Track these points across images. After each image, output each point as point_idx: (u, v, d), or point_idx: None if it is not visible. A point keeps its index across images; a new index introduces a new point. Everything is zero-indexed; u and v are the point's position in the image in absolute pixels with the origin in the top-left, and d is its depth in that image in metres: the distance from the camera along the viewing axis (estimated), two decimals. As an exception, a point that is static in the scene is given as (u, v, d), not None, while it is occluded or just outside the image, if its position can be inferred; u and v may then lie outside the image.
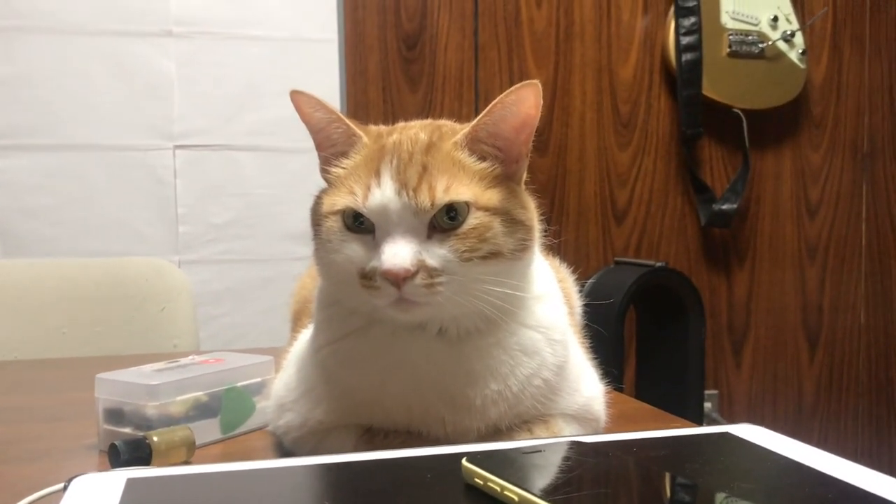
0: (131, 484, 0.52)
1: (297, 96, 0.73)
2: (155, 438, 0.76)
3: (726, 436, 0.63)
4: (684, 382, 2.43)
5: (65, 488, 0.53)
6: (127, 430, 0.82)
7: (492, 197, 0.69)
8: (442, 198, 0.67)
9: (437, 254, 0.67)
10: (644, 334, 2.59)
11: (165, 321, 1.77)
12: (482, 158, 0.71)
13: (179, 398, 0.83)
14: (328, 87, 2.40)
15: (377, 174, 0.69)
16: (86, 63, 2.29)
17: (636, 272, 2.34)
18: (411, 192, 0.67)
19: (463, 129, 0.71)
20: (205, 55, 2.36)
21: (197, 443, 0.81)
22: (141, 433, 0.78)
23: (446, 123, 0.76)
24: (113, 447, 0.75)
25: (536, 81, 0.69)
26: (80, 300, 1.76)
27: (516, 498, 0.47)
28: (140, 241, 2.32)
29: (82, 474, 0.54)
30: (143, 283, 1.79)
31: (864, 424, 2.97)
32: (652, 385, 2.51)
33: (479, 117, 0.71)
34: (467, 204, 0.68)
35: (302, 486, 0.55)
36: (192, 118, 2.36)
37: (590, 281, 2.34)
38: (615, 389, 0.91)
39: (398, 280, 0.65)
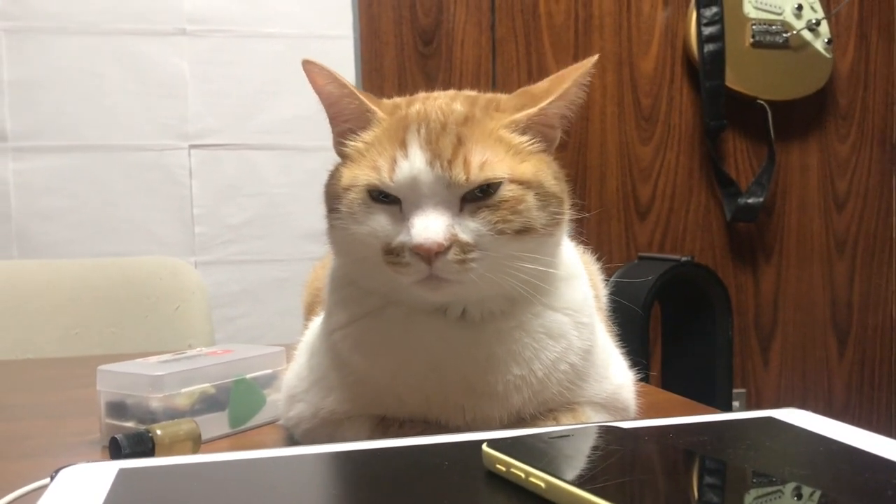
0: (123, 474, 0.48)
1: (309, 67, 0.69)
2: (158, 432, 0.72)
3: (770, 420, 0.58)
4: (712, 380, 2.36)
5: (52, 479, 0.49)
6: (130, 423, 0.78)
7: (526, 170, 0.65)
8: (478, 174, 0.63)
9: (469, 228, 0.63)
10: (670, 331, 2.53)
11: (180, 320, 1.73)
12: (525, 133, 0.67)
13: (185, 390, 0.79)
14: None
15: (403, 145, 0.64)
16: (99, 63, 2.26)
17: (661, 267, 2.28)
18: (445, 164, 0.63)
19: (525, 111, 0.67)
20: (219, 54, 2.33)
21: (204, 437, 0.77)
22: (144, 427, 0.74)
23: (479, 95, 0.72)
24: (114, 441, 0.71)
25: (595, 57, 0.68)
26: (94, 300, 1.73)
27: (543, 485, 0.43)
28: (156, 242, 2.29)
29: (69, 465, 0.49)
30: (157, 283, 1.76)
31: (895, 424, 2.89)
32: (679, 383, 2.44)
33: (550, 100, 0.67)
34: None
35: (306, 475, 0.50)
36: (206, 117, 2.33)
37: (613, 276, 2.28)
38: (643, 380, 0.86)
39: (430, 255, 0.61)
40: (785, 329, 2.81)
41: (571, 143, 2.59)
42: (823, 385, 2.84)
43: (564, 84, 0.67)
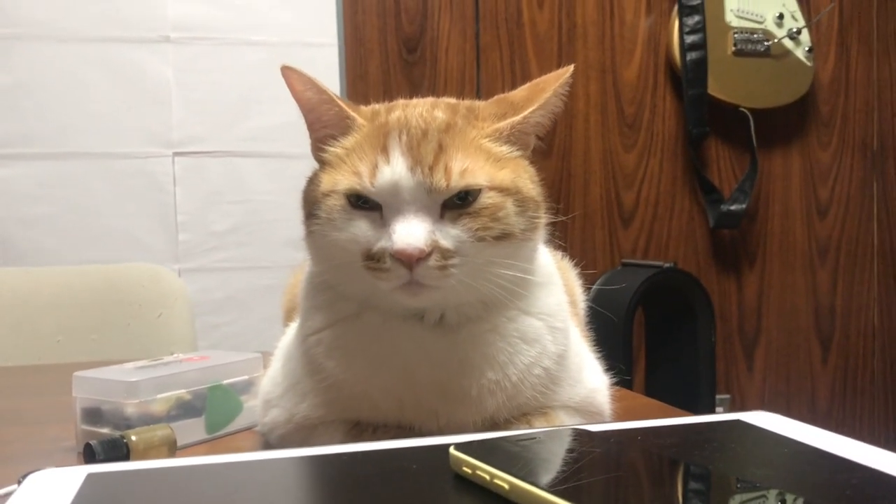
0: (91, 479, 0.48)
1: (288, 73, 0.69)
2: (133, 437, 0.73)
3: (738, 423, 0.58)
4: (696, 385, 2.37)
5: (19, 484, 0.49)
6: (105, 430, 0.78)
7: (505, 177, 0.66)
8: (458, 181, 0.63)
9: (450, 234, 0.63)
10: (653, 337, 2.54)
11: (163, 327, 1.73)
12: (507, 143, 0.68)
13: (160, 396, 0.78)
14: (328, 92, 2.36)
15: (384, 150, 0.65)
16: (83, 70, 2.26)
17: (644, 273, 2.29)
18: (427, 170, 0.63)
19: (507, 120, 0.68)
20: (203, 61, 2.33)
21: (181, 443, 0.77)
22: (119, 433, 0.74)
23: (459, 103, 0.73)
24: (88, 447, 0.71)
25: (572, 67, 0.69)
26: (76, 307, 1.72)
27: (507, 486, 0.43)
28: (140, 249, 2.29)
29: (38, 470, 0.50)
30: (140, 290, 1.75)
31: (879, 428, 2.90)
32: (663, 388, 2.45)
33: (531, 109, 0.68)
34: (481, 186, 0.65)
35: (273, 478, 0.50)
36: (190, 125, 2.32)
37: (596, 283, 2.30)
38: (619, 385, 0.87)
39: (411, 261, 0.61)
40: (769, 335, 2.82)
41: (555, 151, 2.60)
42: (807, 390, 2.85)
43: (545, 94, 0.67)
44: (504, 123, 0.67)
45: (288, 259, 2.32)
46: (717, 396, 2.60)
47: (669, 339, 2.47)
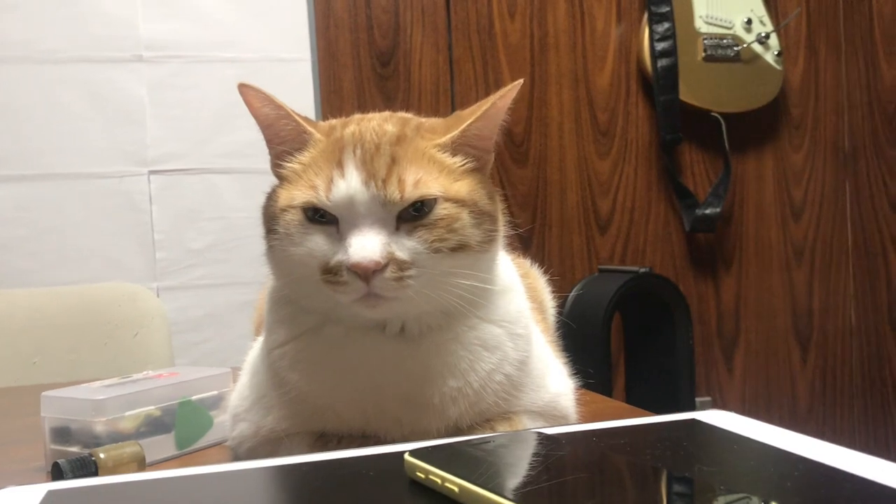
0: (50, 496, 0.49)
1: (245, 90, 0.70)
2: (101, 455, 0.73)
3: (693, 422, 0.59)
4: (675, 389, 2.39)
5: (-20, 503, 0.49)
6: (74, 448, 0.78)
7: (460, 189, 0.67)
8: (412, 192, 0.64)
9: (406, 246, 0.64)
10: (632, 342, 2.55)
11: (139, 347, 1.73)
12: (456, 154, 0.69)
13: (129, 413, 0.79)
14: (303, 107, 2.32)
15: (339, 165, 0.66)
16: (57, 91, 2.26)
17: (620, 279, 2.31)
18: (380, 183, 0.64)
19: (450, 133, 0.69)
20: (176, 79, 2.33)
21: (151, 459, 0.78)
22: (87, 451, 0.74)
23: (411, 117, 0.74)
24: (56, 466, 0.71)
25: (521, 81, 0.70)
26: (52, 328, 1.72)
27: (457, 489, 0.44)
28: (117, 269, 2.28)
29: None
30: (116, 309, 1.75)
31: (859, 426, 2.93)
32: (643, 393, 2.47)
33: (469, 121, 0.69)
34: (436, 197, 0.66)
35: (233, 491, 0.51)
36: (165, 143, 2.33)
37: (573, 290, 2.31)
38: (588, 388, 0.88)
39: (367, 274, 0.62)
40: (747, 337, 2.85)
41: (531, 159, 2.61)
42: (787, 391, 2.87)
43: (483, 107, 0.69)
44: (446, 138, 0.69)
45: (266, 275, 2.33)
46: (698, 399, 2.62)
47: (648, 344, 2.49)
